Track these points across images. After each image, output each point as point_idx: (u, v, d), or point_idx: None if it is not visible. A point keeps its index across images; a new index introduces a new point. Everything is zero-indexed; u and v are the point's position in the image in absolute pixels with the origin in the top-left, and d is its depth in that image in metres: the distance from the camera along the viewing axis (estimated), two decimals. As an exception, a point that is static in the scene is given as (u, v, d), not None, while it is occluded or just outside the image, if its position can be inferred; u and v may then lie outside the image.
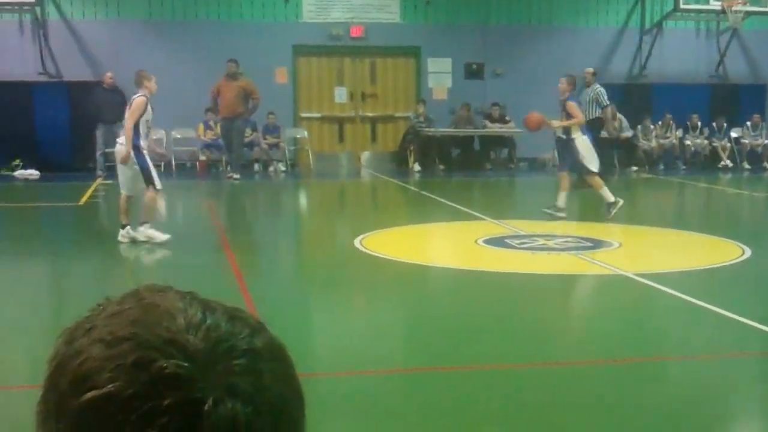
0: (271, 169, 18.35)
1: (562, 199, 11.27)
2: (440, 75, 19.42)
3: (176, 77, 17.42)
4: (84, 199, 13.84)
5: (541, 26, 19.48)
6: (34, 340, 6.15)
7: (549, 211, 11.26)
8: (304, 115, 19.39)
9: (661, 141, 19.18)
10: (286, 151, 18.71)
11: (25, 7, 17.60)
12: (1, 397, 5.11)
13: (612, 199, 11.12)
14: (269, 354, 0.79)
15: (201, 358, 0.75)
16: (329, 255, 9.89)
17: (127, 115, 9.41)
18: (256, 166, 18.32)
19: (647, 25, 19.84)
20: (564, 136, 11.33)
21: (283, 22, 18.84)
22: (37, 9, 17.64)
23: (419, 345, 6.20)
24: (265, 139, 18.41)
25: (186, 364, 0.74)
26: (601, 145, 12.83)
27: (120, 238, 9.50)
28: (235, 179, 16.39)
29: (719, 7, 18.89)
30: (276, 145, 18.54)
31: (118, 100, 16.76)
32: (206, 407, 0.73)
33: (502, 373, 5.47)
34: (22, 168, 17.11)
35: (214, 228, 11.23)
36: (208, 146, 18.15)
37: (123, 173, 9.56)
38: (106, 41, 18.03)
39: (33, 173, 16.95)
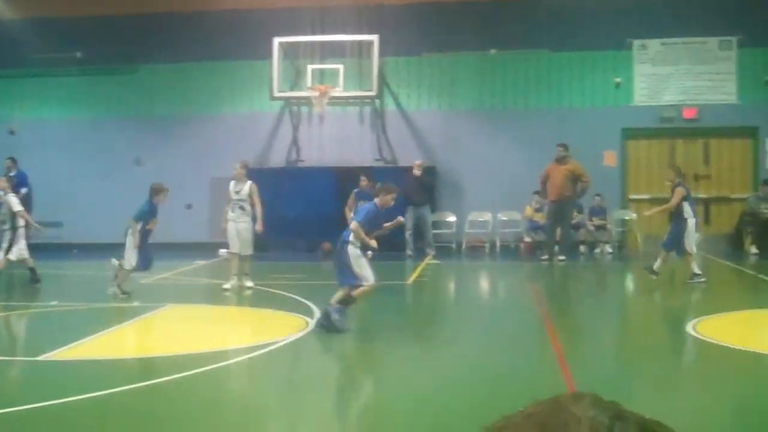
0: (598, 250, 18.12)
1: None
2: (781, 154, 18.38)
3: (505, 162, 17.94)
4: (413, 277, 14.44)
5: None
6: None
7: None
8: (632, 197, 19.03)
9: None
10: (613, 233, 18.42)
11: (366, 100, 18.92)
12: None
13: None
14: None
15: None
16: (661, 341, 9.48)
17: None
18: (582, 248, 18.21)
19: None
20: None
21: (613, 106, 18.78)
22: (377, 101, 18.90)
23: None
24: (591, 221, 18.27)
25: None
26: None
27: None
28: (561, 260, 16.33)
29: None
30: (603, 227, 18.32)
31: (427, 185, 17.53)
32: None
33: None
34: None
35: (537, 311, 11.17)
36: (534, 228, 18.28)
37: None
38: (438, 130, 18.93)
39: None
